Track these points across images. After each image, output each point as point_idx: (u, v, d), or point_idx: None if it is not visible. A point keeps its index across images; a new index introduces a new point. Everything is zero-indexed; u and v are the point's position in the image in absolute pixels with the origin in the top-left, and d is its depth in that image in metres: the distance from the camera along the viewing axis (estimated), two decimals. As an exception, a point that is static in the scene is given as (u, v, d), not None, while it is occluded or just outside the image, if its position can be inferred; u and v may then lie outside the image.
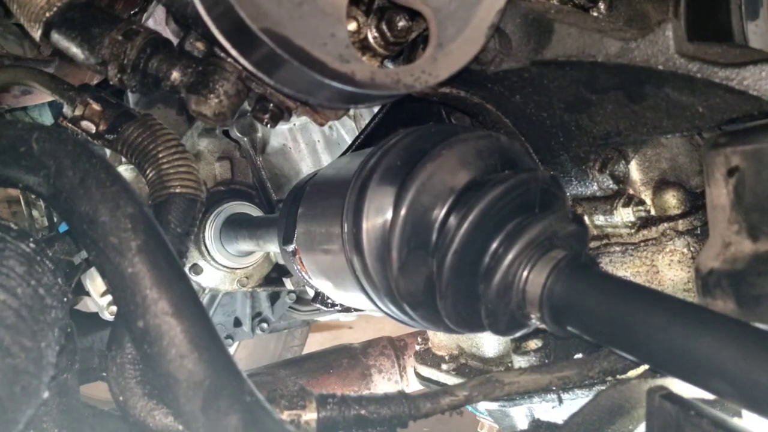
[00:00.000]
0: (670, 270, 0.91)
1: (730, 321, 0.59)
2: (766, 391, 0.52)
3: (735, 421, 0.63)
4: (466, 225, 0.76)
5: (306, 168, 1.96)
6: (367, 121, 1.16)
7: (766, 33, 1.00)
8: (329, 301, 1.20)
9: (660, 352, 0.61)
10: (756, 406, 0.54)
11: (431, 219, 0.79)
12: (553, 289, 0.73)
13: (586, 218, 0.95)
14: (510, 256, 0.74)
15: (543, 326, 0.77)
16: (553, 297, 0.73)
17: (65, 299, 0.70)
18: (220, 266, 1.86)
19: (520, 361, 0.98)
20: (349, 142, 1.55)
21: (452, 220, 0.77)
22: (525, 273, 0.75)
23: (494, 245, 0.76)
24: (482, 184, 0.78)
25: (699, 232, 0.88)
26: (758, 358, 0.53)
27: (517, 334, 0.81)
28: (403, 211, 0.79)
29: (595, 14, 0.96)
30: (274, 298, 2.25)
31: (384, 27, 0.84)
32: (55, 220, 1.83)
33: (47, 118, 1.83)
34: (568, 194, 0.97)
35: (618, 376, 0.82)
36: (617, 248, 0.94)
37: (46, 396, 0.66)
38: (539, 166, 0.97)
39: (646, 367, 0.80)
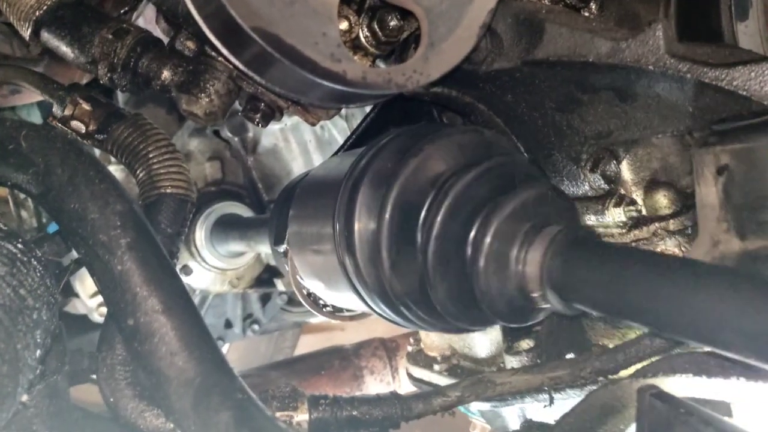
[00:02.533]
0: (660, 269, 0.91)
1: (732, 272, 0.58)
2: None
3: (724, 419, 0.63)
4: (443, 210, 0.76)
5: (297, 168, 1.95)
6: (358, 121, 1.15)
7: (755, 34, 1.01)
8: (321, 302, 1.20)
9: (667, 313, 0.60)
10: (765, 355, 0.53)
11: (416, 214, 0.79)
12: (552, 265, 0.71)
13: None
14: (490, 235, 0.74)
15: (548, 306, 0.75)
16: (554, 273, 0.71)
17: (52, 300, 0.69)
18: (211, 267, 1.85)
19: (512, 362, 0.98)
20: (341, 141, 1.55)
21: (432, 211, 0.77)
22: (521, 253, 0.73)
23: (474, 227, 0.75)
24: (461, 173, 0.78)
25: (690, 231, 0.88)
26: (764, 305, 0.52)
27: (531, 321, 0.80)
28: (388, 210, 0.79)
29: (586, 14, 0.97)
30: (265, 300, 2.24)
31: (375, 26, 0.84)
32: (44, 220, 1.81)
33: (36, 118, 1.82)
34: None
35: (609, 376, 0.82)
36: (608, 248, 0.94)
37: (25, 399, 0.66)
38: (522, 156, 0.97)
39: (637, 367, 0.80)
